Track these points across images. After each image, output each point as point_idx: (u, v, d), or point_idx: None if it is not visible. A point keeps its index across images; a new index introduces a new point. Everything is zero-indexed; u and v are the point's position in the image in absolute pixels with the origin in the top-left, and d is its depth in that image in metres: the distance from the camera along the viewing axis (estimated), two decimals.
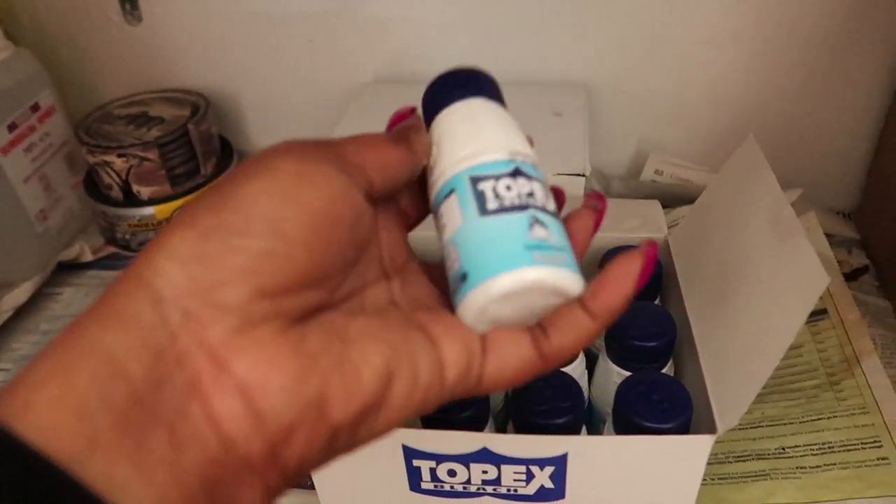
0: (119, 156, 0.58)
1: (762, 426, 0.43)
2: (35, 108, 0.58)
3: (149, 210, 0.60)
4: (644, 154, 0.62)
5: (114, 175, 0.59)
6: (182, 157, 0.60)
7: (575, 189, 0.49)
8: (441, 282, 0.25)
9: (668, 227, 0.45)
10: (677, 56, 0.58)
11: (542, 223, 0.22)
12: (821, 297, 0.48)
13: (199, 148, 0.61)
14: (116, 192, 0.60)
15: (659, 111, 0.61)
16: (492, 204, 0.23)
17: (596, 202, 0.26)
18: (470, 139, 0.24)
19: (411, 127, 0.24)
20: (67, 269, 0.61)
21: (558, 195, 0.26)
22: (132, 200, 0.60)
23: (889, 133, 0.56)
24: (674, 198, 0.58)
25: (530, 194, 0.23)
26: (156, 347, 0.17)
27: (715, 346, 0.34)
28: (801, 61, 0.56)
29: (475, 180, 0.23)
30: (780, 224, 0.32)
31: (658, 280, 0.41)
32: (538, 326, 0.23)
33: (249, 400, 0.17)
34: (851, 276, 0.55)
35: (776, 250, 0.32)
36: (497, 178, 0.23)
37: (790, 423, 0.43)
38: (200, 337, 0.17)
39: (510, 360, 0.22)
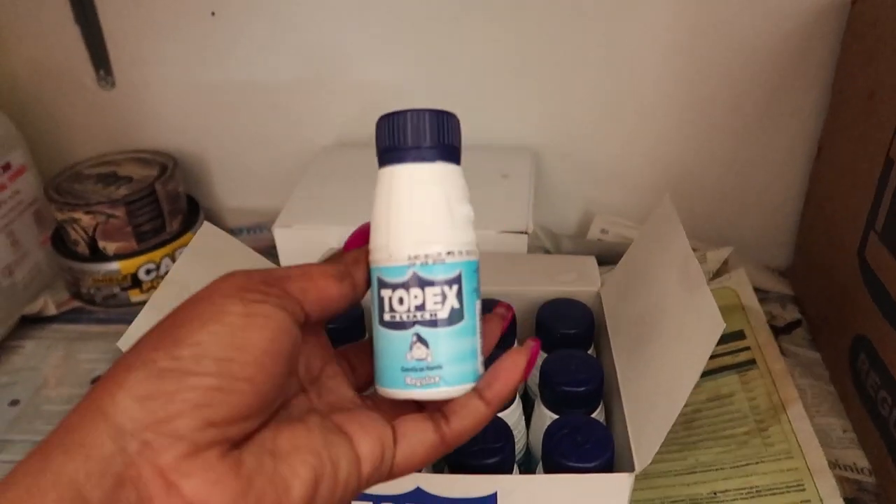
0: (87, 213, 0.60)
1: (696, 472, 0.45)
2: (6, 167, 0.61)
3: (114, 265, 0.62)
4: (591, 214, 0.66)
5: (81, 231, 0.61)
6: (149, 215, 0.62)
7: (518, 246, 0.52)
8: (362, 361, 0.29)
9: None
10: (619, 122, 0.63)
11: (423, 341, 0.25)
12: (750, 348, 0.51)
13: (166, 206, 0.63)
14: (83, 248, 0.62)
15: (603, 173, 0.65)
16: (386, 316, 0.25)
17: (504, 311, 0.30)
18: (386, 229, 0.25)
19: (360, 261, 0.26)
20: (31, 323, 0.62)
21: (507, 312, 0.30)
22: (98, 256, 0.62)
23: (812, 198, 0.60)
24: (618, 255, 0.60)
25: (420, 307, 0.25)
26: (114, 474, 0.19)
27: (635, 391, 0.36)
28: (732, 129, 0.61)
29: (380, 283, 0.25)
30: (687, 277, 0.35)
31: (591, 330, 0.43)
32: (440, 413, 0.26)
33: None
34: (785, 330, 0.58)
35: (683, 301, 0.34)
36: (394, 287, 0.25)
37: (722, 469, 0.45)
38: (154, 462, 0.20)
39: (417, 448, 0.25)
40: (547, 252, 0.63)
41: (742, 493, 0.43)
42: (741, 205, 0.64)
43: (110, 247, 0.62)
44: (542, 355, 0.42)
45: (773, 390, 0.48)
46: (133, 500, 0.20)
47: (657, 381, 0.34)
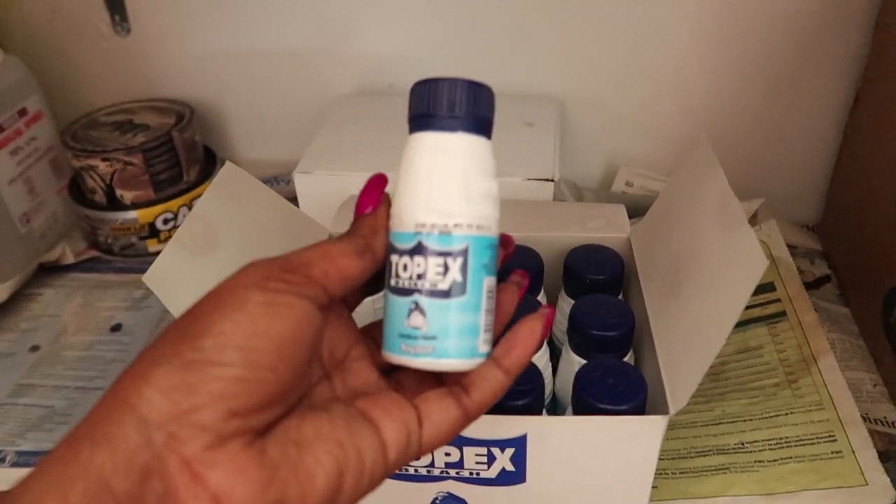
0: (103, 160, 0.59)
1: (723, 423, 0.45)
2: (22, 112, 0.60)
3: (132, 214, 0.61)
4: (615, 166, 0.64)
5: (98, 179, 0.60)
6: (166, 164, 0.61)
7: (544, 194, 0.51)
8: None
9: None
10: (647, 71, 0.61)
11: (421, 310, 0.25)
12: (780, 300, 0.50)
13: (183, 155, 0.62)
14: (100, 197, 0.61)
15: (629, 124, 0.63)
16: (392, 280, 0.25)
17: (519, 279, 0.29)
18: (402, 195, 0.25)
19: (378, 229, 0.26)
20: (48, 271, 0.62)
21: (507, 242, 0.29)
22: (115, 205, 0.61)
23: (847, 149, 0.58)
24: (643, 208, 0.59)
25: (421, 276, 0.25)
26: (140, 466, 0.20)
27: (668, 334, 0.36)
28: (764, 77, 0.59)
29: (391, 248, 0.25)
30: (726, 215, 0.33)
31: (620, 276, 0.42)
32: (459, 386, 0.26)
33: None
34: (814, 285, 0.57)
35: (722, 240, 0.33)
36: (401, 253, 0.25)
37: (749, 420, 0.44)
38: (179, 453, 0.20)
39: (442, 426, 0.25)
40: None
41: (770, 444, 0.43)
42: (772, 158, 0.63)
43: (128, 195, 0.61)
44: (570, 301, 0.41)
45: (804, 342, 0.47)
46: (159, 492, 0.20)
47: (693, 322, 0.33)
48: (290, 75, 0.66)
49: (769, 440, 0.43)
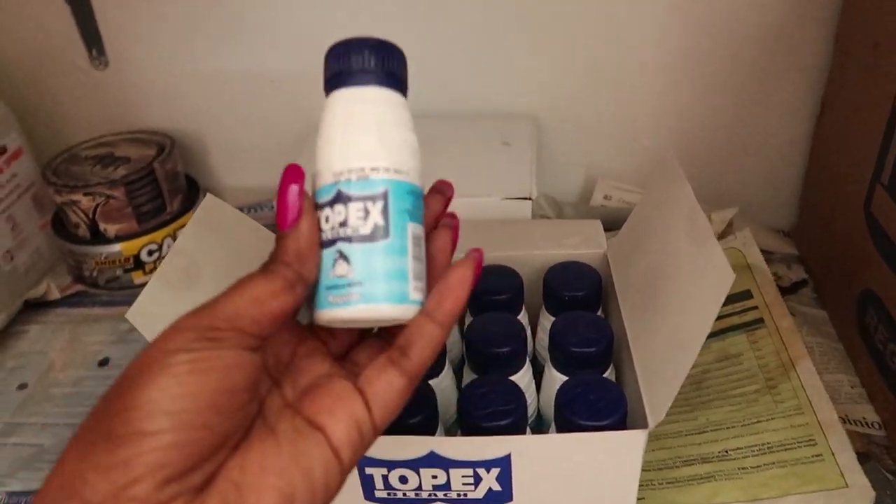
0: (85, 194, 0.59)
1: (707, 431, 0.45)
2: (2, 150, 0.60)
3: (115, 247, 0.61)
4: (593, 180, 0.65)
5: (80, 214, 0.60)
6: (148, 195, 0.62)
7: (522, 212, 0.52)
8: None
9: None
10: (619, 86, 0.62)
11: (345, 257, 0.24)
12: (757, 307, 0.51)
13: (165, 186, 0.63)
14: (83, 231, 0.61)
15: (604, 139, 0.64)
16: (320, 236, 0.25)
17: (450, 220, 0.29)
18: (321, 153, 0.25)
19: (305, 254, 0.24)
20: (34, 307, 0.62)
21: (445, 187, 0.28)
22: (99, 238, 0.61)
23: (816, 155, 0.59)
24: (621, 221, 0.60)
25: (342, 223, 0.24)
26: None
27: (645, 348, 0.36)
28: (733, 88, 0.60)
29: (316, 207, 0.25)
30: (694, 230, 0.34)
31: (598, 292, 0.43)
32: (397, 349, 0.25)
33: None
34: (791, 290, 0.58)
35: (691, 255, 0.34)
36: (322, 207, 0.25)
37: (732, 427, 0.45)
38: None
39: (390, 400, 0.25)
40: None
41: (753, 450, 0.43)
42: (744, 165, 0.64)
43: (111, 228, 0.61)
44: (551, 319, 0.42)
45: (782, 348, 0.48)
46: None
47: (668, 336, 0.34)
48: (270, 102, 0.67)
49: (752, 447, 0.44)
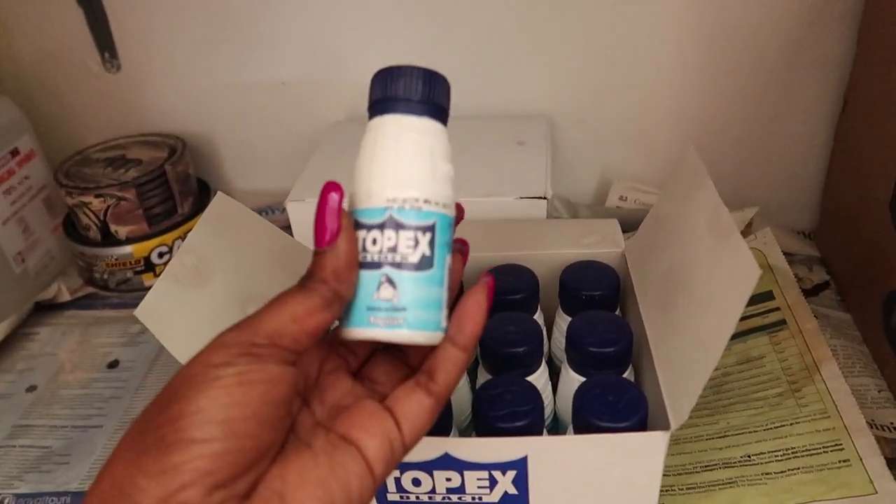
0: (97, 196, 0.59)
1: (728, 436, 0.44)
2: (15, 153, 0.60)
3: (126, 249, 0.61)
4: (608, 181, 0.64)
5: (91, 216, 0.60)
6: (159, 197, 0.62)
7: (537, 211, 0.51)
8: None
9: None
10: (635, 86, 0.61)
11: (391, 282, 0.25)
12: (779, 309, 0.49)
13: (176, 188, 0.62)
14: (94, 233, 0.61)
15: (620, 139, 0.63)
16: (360, 255, 0.26)
17: (461, 245, 0.30)
18: (369, 173, 0.26)
19: (342, 273, 0.25)
20: (45, 310, 0.62)
21: (458, 211, 0.28)
22: (110, 240, 0.61)
23: (838, 154, 0.58)
24: (637, 222, 0.59)
25: (392, 249, 0.25)
26: None
27: (666, 348, 0.35)
28: (752, 86, 0.59)
29: (357, 225, 0.26)
30: (717, 226, 0.33)
31: (616, 291, 0.42)
32: (424, 374, 0.27)
33: None
34: (813, 292, 0.57)
35: (714, 251, 0.33)
36: (369, 228, 0.25)
37: (755, 432, 0.44)
38: None
39: (419, 421, 0.26)
40: None
41: (777, 455, 0.42)
42: (764, 166, 0.63)
43: (122, 230, 0.61)
44: (567, 319, 0.41)
45: (806, 350, 0.47)
46: None
47: (690, 334, 0.33)
48: (281, 105, 0.66)
49: (775, 451, 0.42)
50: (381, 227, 0.25)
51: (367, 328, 0.25)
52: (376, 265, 0.25)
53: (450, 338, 0.27)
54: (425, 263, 0.25)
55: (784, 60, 0.58)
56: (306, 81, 0.65)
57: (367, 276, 0.25)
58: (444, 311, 0.27)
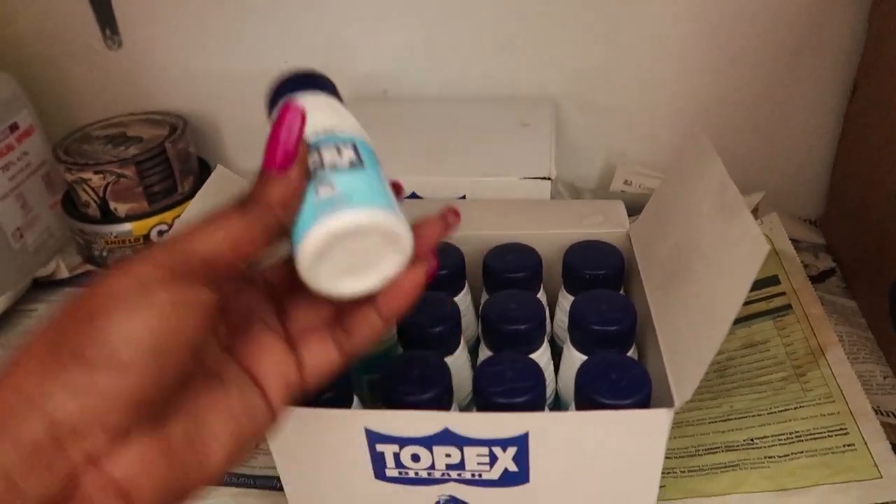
0: (96, 173, 0.58)
1: (731, 419, 0.44)
2: (14, 127, 0.59)
3: (126, 227, 0.60)
4: (613, 165, 0.64)
5: (91, 192, 0.59)
6: (159, 175, 0.61)
7: (541, 193, 0.50)
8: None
9: None
10: (640, 69, 0.60)
11: (328, 184, 0.26)
12: (785, 294, 0.49)
13: (177, 166, 0.62)
14: (94, 210, 0.60)
15: (625, 123, 0.63)
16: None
17: (452, 219, 0.30)
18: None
19: (289, 204, 0.25)
20: (43, 286, 0.61)
21: (396, 189, 0.30)
22: (109, 218, 0.61)
23: (846, 140, 0.57)
24: (642, 206, 0.59)
25: (320, 164, 0.26)
26: (45, 461, 0.20)
27: (671, 327, 0.35)
28: (760, 70, 0.58)
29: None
30: (725, 204, 0.33)
31: (620, 271, 0.41)
32: (342, 329, 0.28)
33: (129, 499, 0.21)
34: (818, 279, 0.56)
35: (721, 229, 0.33)
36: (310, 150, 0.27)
37: (758, 415, 0.43)
38: (85, 451, 0.20)
39: (321, 370, 0.27)
40: None
41: (781, 439, 0.42)
42: (770, 151, 0.62)
43: (121, 208, 0.60)
44: (570, 298, 0.41)
45: (811, 335, 0.46)
46: (65, 486, 0.20)
47: (696, 312, 0.33)
48: None
49: (779, 435, 0.42)
50: (311, 152, 0.27)
51: (314, 227, 0.24)
52: (309, 178, 0.26)
53: (377, 303, 0.27)
54: (357, 164, 0.27)
55: (792, 44, 0.57)
56: (309, 61, 0.64)
57: (308, 188, 0.26)
58: (398, 208, 0.27)
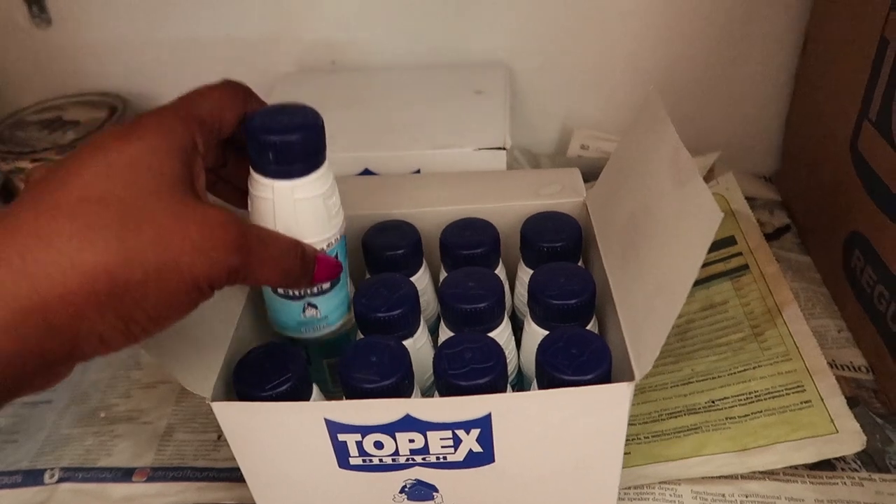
0: (33, 161, 0.56)
1: (692, 382, 0.44)
2: None
3: None
4: (570, 130, 0.63)
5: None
6: None
7: (497, 163, 0.50)
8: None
9: None
10: (594, 32, 0.59)
11: (314, 306, 0.36)
12: (742, 254, 0.49)
13: None
14: None
15: (581, 87, 0.62)
16: (279, 291, 0.36)
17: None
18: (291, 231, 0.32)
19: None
20: None
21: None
22: None
23: (799, 95, 0.57)
24: (599, 170, 0.58)
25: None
26: None
27: (629, 298, 0.34)
28: (712, 28, 0.58)
29: None
30: (678, 170, 0.32)
31: (578, 242, 0.41)
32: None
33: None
34: (774, 236, 0.57)
35: (675, 196, 0.32)
36: None
37: (718, 377, 0.44)
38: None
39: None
40: None
41: (740, 399, 0.42)
42: (725, 109, 0.62)
43: None
44: (529, 272, 0.40)
45: (768, 294, 0.47)
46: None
47: (653, 283, 0.32)
48: (227, 58, 0.63)
49: (739, 395, 0.42)
50: None
51: (298, 334, 0.36)
52: (298, 297, 0.35)
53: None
54: (335, 281, 0.35)
55: (743, 1, 0.56)
56: (253, 33, 0.62)
57: (292, 304, 0.35)
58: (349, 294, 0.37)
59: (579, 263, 0.42)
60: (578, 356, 0.33)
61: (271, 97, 0.58)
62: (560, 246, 0.40)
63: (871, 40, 0.42)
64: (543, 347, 0.33)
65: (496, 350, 0.33)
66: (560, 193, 0.44)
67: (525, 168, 0.60)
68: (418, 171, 0.50)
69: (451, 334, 0.37)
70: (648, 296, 0.32)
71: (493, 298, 0.37)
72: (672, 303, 0.29)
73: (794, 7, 0.56)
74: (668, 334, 0.29)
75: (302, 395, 0.34)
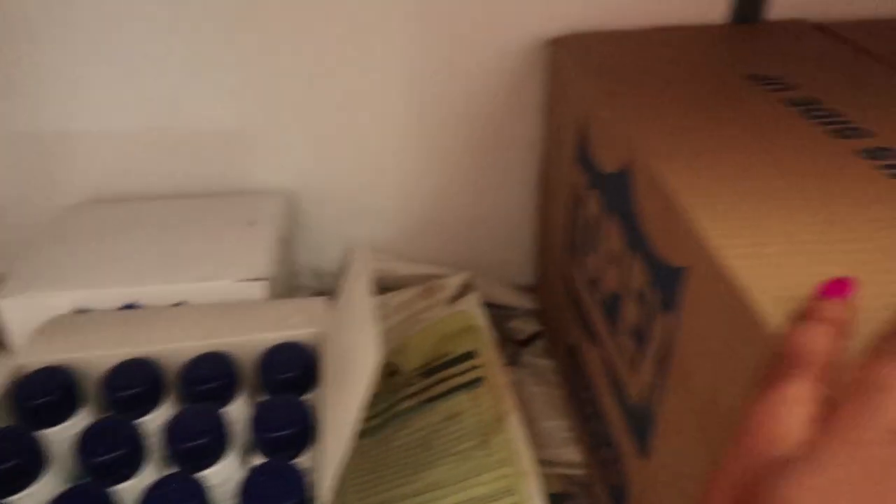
0: None
1: (427, 492, 0.48)
2: None
3: None
4: (352, 251, 0.69)
5: None
6: None
7: (258, 294, 0.54)
8: None
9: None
10: (368, 161, 0.66)
11: None
12: (479, 367, 0.55)
13: None
14: None
15: (359, 210, 0.68)
16: None
17: None
18: None
19: None
20: None
21: None
22: None
23: (539, 220, 0.66)
24: (382, 287, 0.65)
25: None
26: None
27: (325, 430, 0.39)
28: (468, 159, 0.66)
29: None
30: (362, 314, 0.38)
31: (309, 373, 0.45)
32: None
33: None
34: (525, 343, 0.64)
35: (360, 338, 0.38)
36: None
37: (448, 486, 0.48)
38: None
39: None
40: (318, 292, 0.65)
41: None
42: (488, 229, 0.70)
43: None
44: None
45: (498, 403, 0.53)
46: None
47: (337, 418, 0.37)
48: (11, 184, 0.64)
49: (462, 502, 0.47)
50: None
51: None
52: None
53: None
54: None
55: (493, 140, 0.65)
56: (38, 158, 0.63)
57: None
58: None
59: (312, 394, 0.46)
60: (275, 489, 0.36)
61: (50, 229, 0.59)
62: (292, 377, 0.44)
63: (567, 185, 0.51)
64: (245, 481, 0.37)
65: (199, 493, 0.36)
66: (302, 324, 0.48)
67: (313, 286, 0.65)
68: (181, 304, 0.53)
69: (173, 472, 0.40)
70: (332, 429, 0.37)
71: (214, 435, 0.40)
72: (342, 439, 0.34)
73: (531, 147, 0.65)
74: (340, 469, 0.34)
75: None
